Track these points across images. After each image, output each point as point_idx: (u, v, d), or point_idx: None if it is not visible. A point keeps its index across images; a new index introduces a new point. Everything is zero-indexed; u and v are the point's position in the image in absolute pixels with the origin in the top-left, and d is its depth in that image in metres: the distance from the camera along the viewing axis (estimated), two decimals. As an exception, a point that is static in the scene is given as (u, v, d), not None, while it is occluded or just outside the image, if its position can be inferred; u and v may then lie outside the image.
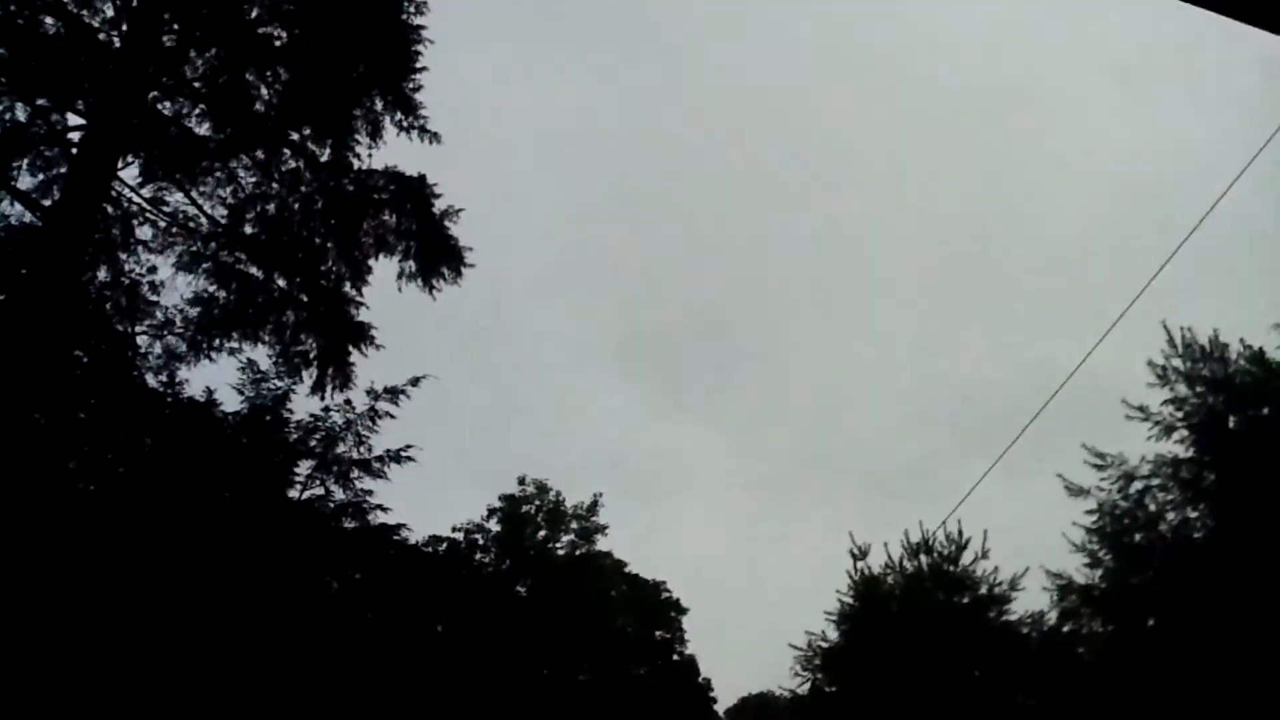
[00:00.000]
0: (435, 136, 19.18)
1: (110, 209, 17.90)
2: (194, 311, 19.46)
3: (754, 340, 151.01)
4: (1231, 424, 21.87)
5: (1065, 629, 26.22)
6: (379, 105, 19.13)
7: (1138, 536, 23.55)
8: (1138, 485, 23.29)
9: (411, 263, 19.62)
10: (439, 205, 19.42)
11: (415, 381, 21.70)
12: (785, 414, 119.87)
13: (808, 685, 31.13)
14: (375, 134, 19.23)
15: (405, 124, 19.12)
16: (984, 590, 27.91)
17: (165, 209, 18.74)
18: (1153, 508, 23.35)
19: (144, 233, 18.95)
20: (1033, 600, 30.57)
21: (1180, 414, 22.51)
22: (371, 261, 19.74)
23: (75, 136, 17.10)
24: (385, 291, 19.90)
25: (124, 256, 18.86)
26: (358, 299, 19.94)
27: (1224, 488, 21.37)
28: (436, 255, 19.56)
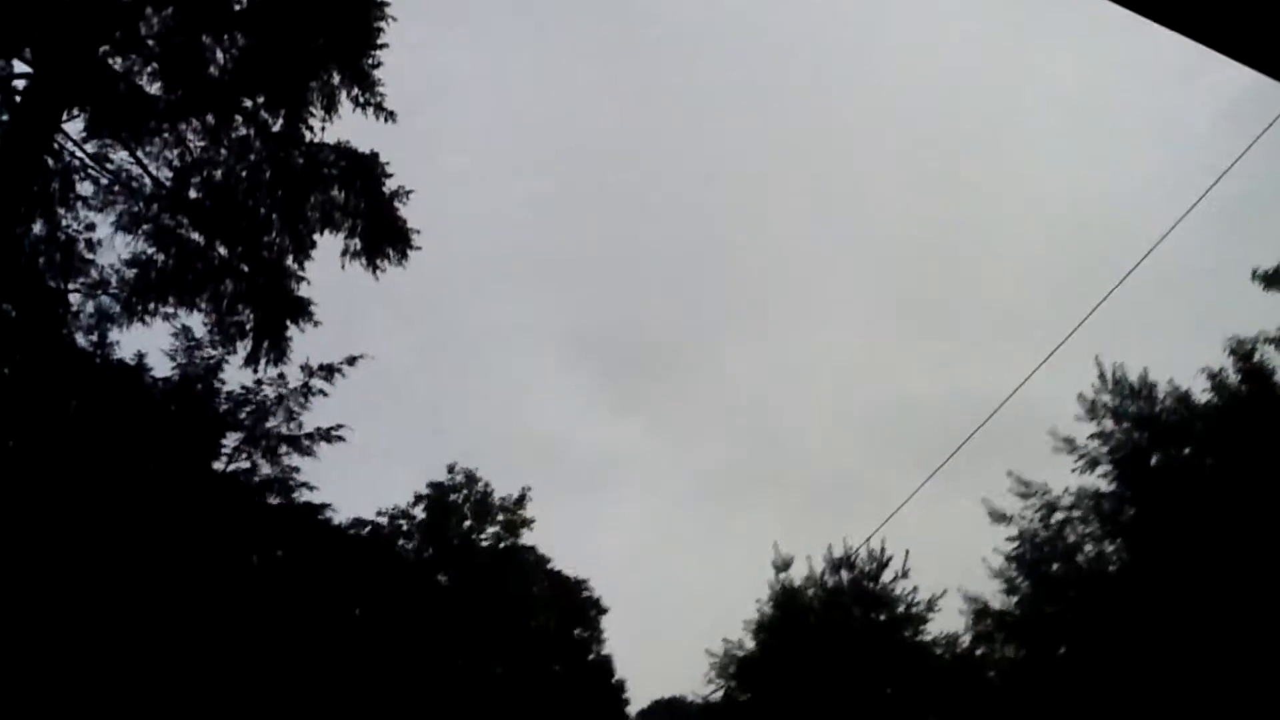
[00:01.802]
0: (391, 115, 19.01)
1: (51, 162, 17.47)
2: (130, 273, 19.05)
3: (700, 346, 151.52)
4: (1154, 462, 22.39)
5: (978, 652, 26.69)
6: (336, 79, 18.88)
7: (1055, 566, 24.03)
8: (1059, 515, 23.81)
9: (357, 240, 19.38)
10: (390, 185, 19.23)
11: (352, 361, 21.55)
12: (726, 421, 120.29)
13: (721, 692, 31.34)
14: (330, 108, 18.97)
15: (362, 100, 18.90)
16: (901, 609, 28.33)
17: (109, 166, 18.35)
18: (1072, 539, 23.87)
19: (85, 189, 18.48)
20: (949, 622, 31.11)
21: (1106, 449, 23.02)
22: (316, 236, 19.47)
23: (20, 85, 16.68)
24: (329, 268, 19.68)
25: (62, 211, 18.40)
26: (299, 273, 19.65)
27: (1142, 524, 21.87)
28: (383, 235, 19.35)
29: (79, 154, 17.93)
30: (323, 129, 19.05)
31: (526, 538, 41.28)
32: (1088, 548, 23.94)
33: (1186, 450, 22.27)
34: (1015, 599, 24.94)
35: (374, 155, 19.09)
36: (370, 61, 18.92)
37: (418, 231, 19.56)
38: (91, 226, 18.86)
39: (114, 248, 19.06)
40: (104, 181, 18.45)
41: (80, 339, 19.10)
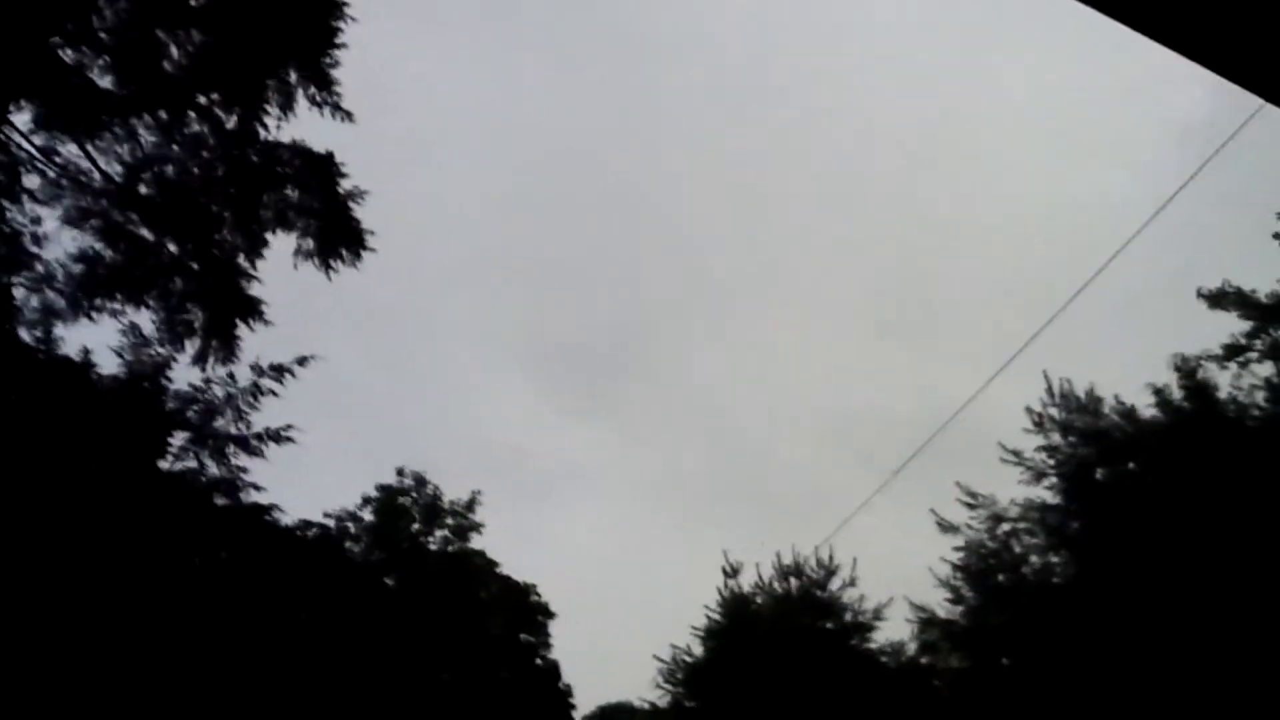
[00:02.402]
0: (349, 115, 18.88)
1: (-2, 154, 17.18)
2: (77, 268, 18.76)
3: (661, 352, 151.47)
4: (1099, 475, 22.76)
5: (923, 661, 26.94)
6: (293, 78, 18.71)
7: (1001, 577, 24.33)
8: (1005, 527, 24.11)
9: (311, 240, 19.27)
10: (345, 185, 19.12)
11: (303, 361, 21.32)
12: (685, 428, 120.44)
13: (668, 699, 31.38)
14: (287, 107, 18.81)
15: (319, 99, 18.75)
16: (849, 617, 28.52)
17: (57, 160, 18.03)
18: (1018, 550, 24.18)
19: (31, 182, 18.18)
20: (895, 630, 31.38)
21: (1052, 462, 23.37)
22: (270, 236, 19.34)
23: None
24: (281, 268, 19.51)
25: (7, 204, 18.06)
26: (251, 272, 19.50)
27: (1086, 537, 22.22)
28: (337, 235, 19.23)
29: (26, 146, 17.62)
30: (279, 128, 18.93)
31: (476, 542, 41.19)
32: (1033, 559, 24.28)
33: (1130, 465, 22.66)
34: (961, 609, 25.23)
35: (330, 155, 18.98)
36: (328, 61, 18.78)
37: (373, 233, 19.48)
38: (38, 220, 18.51)
39: (61, 242, 18.75)
40: (52, 175, 18.14)
41: (24, 334, 18.78)
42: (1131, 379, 23.77)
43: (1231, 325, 21.91)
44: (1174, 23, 2.63)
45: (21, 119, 17.24)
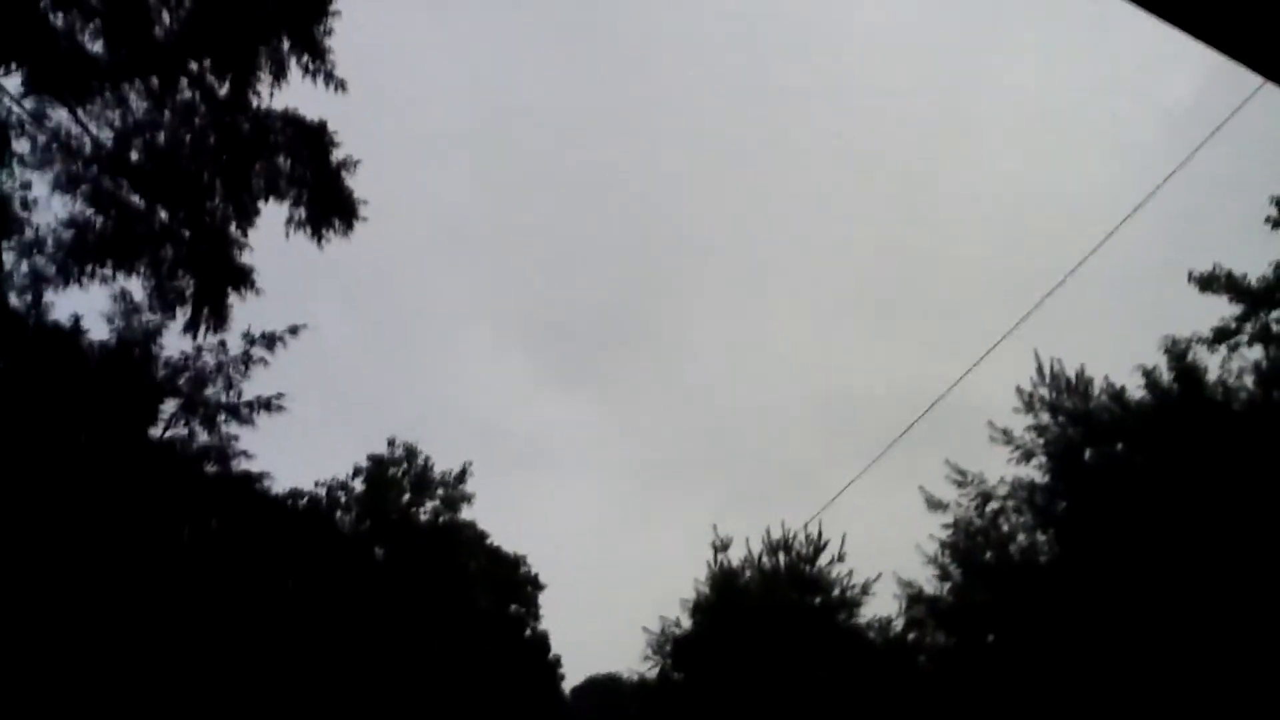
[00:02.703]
0: (342, 84, 18.72)
1: (-13, 118, 17.08)
2: (67, 234, 18.70)
3: (654, 331, 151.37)
4: (1087, 456, 22.83)
5: (910, 637, 27.11)
6: (285, 46, 18.55)
7: (988, 555, 24.45)
8: (993, 505, 24.21)
9: (302, 210, 19.17)
10: (337, 155, 19.00)
11: (294, 330, 21.36)
12: (677, 405, 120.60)
13: (656, 670, 31.56)
14: (279, 75, 18.64)
15: (311, 68, 18.57)
16: (836, 593, 28.66)
17: (47, 124, 17.95)
18: (1005, 528, 24.30)
19: (21, 146, 18.09)
20: (882, 606, 31.54)
21: (1040, 441, 23.45)
22: (261, 204, 19.23)
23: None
24: (273, 237, 19.44)
25: (-4, 169, 18.00)
26: (242, 241, 19.41)
27: (1072, 516, 22.32)
28: (328, 205, 19.14)
29: (16, 110, 17.53)
30: (270, 96, 18.78)
31: (466, 513, 41.30)
32: (1020, 538, 24.39)
33: (1118, 446, 22.73)
34: (948, 586, 25.38)
35: (322, 124, 18.86)
36: (321, 29, 18.63)
37: (365, 203, 19.41)
38: (28, 185, 18.46)
39: (51, 208, 18.67)
40: (42, 140, 18.05)
41: (13, 299, 18.73)
42: (1122, 361, 23.83)
43: (1222, 309, 21.94)
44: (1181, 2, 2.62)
45: (11, 83, 17.15)
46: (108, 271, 19.20)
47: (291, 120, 18.85)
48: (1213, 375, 21.71)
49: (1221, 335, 21.75)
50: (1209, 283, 21.80)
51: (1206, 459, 19.29)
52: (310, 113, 19.00)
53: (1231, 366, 21.62)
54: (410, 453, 39.90)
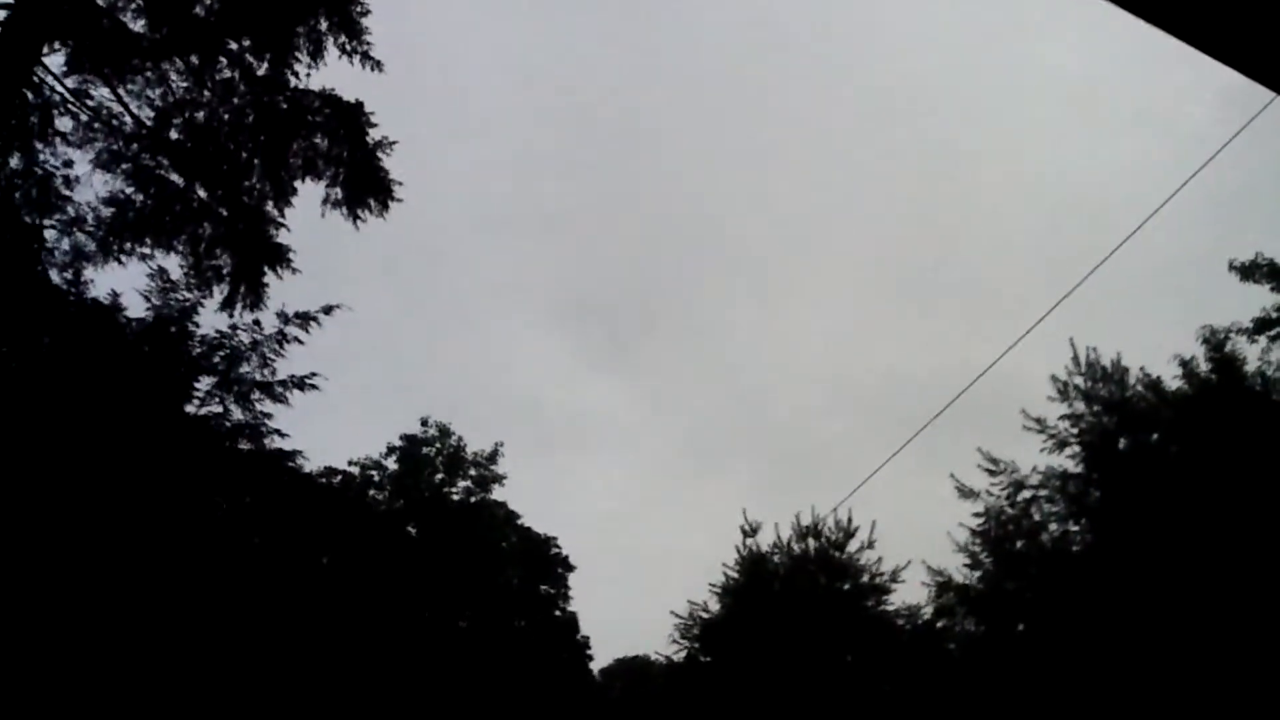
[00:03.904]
0: (378, 64, 18.84)
1: (30, 95, 17.23)
2: (108, 212, 18.85)
3: (689, 312, 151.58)
4: (1121, 445, 22.63)
5: (939, 625, 27.02)
6: (323, 25, 18.67)
7: (1019, 544, 24.30)
8: (1026, 494, 24.05)
9: (338, 189, 19.30)
10: (374, 135, 19.09)
11: (329, 310, 21.41)
12: (711, 386, 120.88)
13: (684, 653, 31.63)
14: (316, 54, 18.78)
15: (349, 47, 18.71)
16: (865, 579, 28.60)
17: (89, 103, 18.10)
18: (1037, 517, 24.13)
19: (64, 124, 18.20)
20: (911, 593, 31.47)
21: (1075, 430, 23.25)
22: (298, 184, 19.37)
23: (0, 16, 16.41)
24: (310, 216, 19.59)
25: (40, 146, 18.15)
26: (279, 219, 19.56)
27: (1105, 506, 22.14)
28: (365, 185, 19.26)
29: (59, 89, 17.66)
30: (308, 75, 18.91)
31: (497, 493, 41.55)
32: (1052, 527, 24.22)
33: (1154, 436, 22.52)
34: (978, 574, 25.26)
35: (359, 104, 18.94)
36: (358, 9, 18.74)
37: (400, 183, 19.50)
38: (70, 163, 18.61)
39: (92, 185, 18.88)
40: (84, 118, 18.20)
41: (55, 275, 18.96)
42: (1162, 349, 23.64)
43: (1264, 298, 21.67)
44: (1181, 15, 2.60)
45: (54, 61, 17.32)
46: (146, 249, 19.41)
47: (329, 100, 18.96)
48: (1251, 366, 21.47)
49: (1262, 325, 21.48)
50: (1250, 271, 21.52)
51: (1243, 449, 19.09)
52: (347, 93, 19.13)
53: (1271, 357, 21.37)
54: (443, 432, 40.20)
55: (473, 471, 40.19)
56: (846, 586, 28.74)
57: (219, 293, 19.77)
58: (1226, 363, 21.40)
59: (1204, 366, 21.73)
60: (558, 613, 50.84)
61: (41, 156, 18.22)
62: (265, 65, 18.63)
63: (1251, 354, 21.51)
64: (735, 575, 30.10)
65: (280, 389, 21.54)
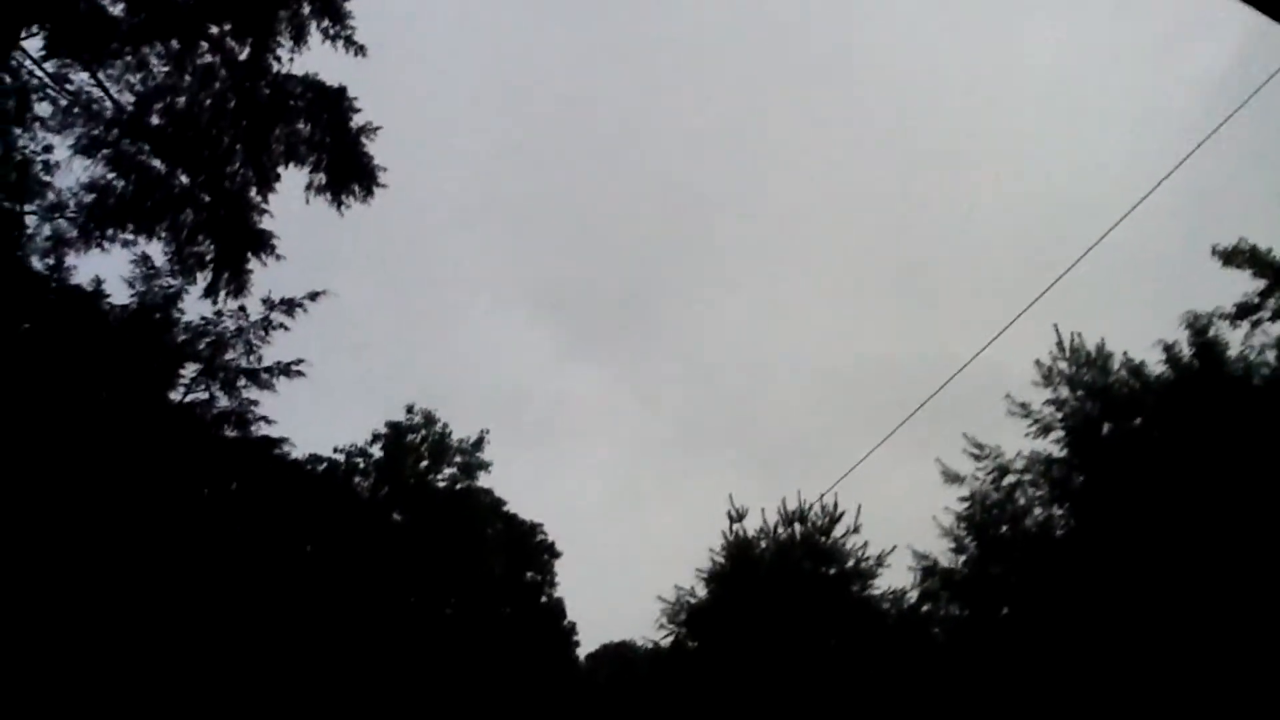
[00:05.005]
0: (361, 49, 18.70)
1: (8, 79, 17.07)
2: (89, 198, 18.72)
3: (677, 302, 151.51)
4: (1105, 431, 22.69)
5: (924, 609, 27.07)
6: (305, 9, 18.52)
7: (1004, 528, 24.36)
8: (1010, 479, 24.10)
9: (321, 175, 19.18)
10: (357, 120, 19.00)
11: (314, 296, 21.39)
12: (696, 376, 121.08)
13: (670, 638, 31.62)
14: (299, 39, 18.63)
15: (331, 32, 18.56)
16: (851, 564, 28.58)
17: (68, 87, 17.94)
18: (1021, 502, 24.18)
19: (43, 109, 18.10)
20: (897, 578, 31.52)
21: (1059, 415, 23.30)
22: (280, 169, 19.24)
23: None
24: (294, 203, 19.45)
25: (19, 131, 18.02)
26: (262, 206, 19.45)
27: (1088, 490, 22.21)
28: (348, 171, 19.13)
29: (38, 73, 17.53)
30: (290, 60, 18.77)
31: (483, 480, 41.46)
32: (1036, 511, 24.26)
33: (1136, 421, 22.57)
34: (963, 558, 25.30)
35: (342, 89, 18.84)
36: (341, -7, 18.60)
37: (384, 170, 19.40)
38: (49, 148, 18.50)
39: (72, 171, 18.69)
40: (63, 103, 18.06)
41: (35, 262, 18.83)
42: (1145, 335, 23.69)
43: (1245, 284, 21.71)
44: None
45: (33, 45, 17.14)
46: (128, 235, 19.26)
47: (311, 85, 18.84)
48: (1234, 351, 21.53)
49: (1244, 310, 21.55)
50: (1232, 257, 21.58)
51: (1225, 434, 19.16)
52: (330, 78, 18.99)
53: (1254, 342, 21.44)
54: (428, 419, 40.07)
55: (458, 459, 40.10)
56: (832, 571, 28.74)
57: (202, 279, 19.68)
58: (1208, 348, 21.46)
59: (1187, 352, 21.79)
60: (544, 599, 50.83)
61: (20, 141, 18.07)
62: (247, 50, 18.48)
63: (1234, 339, 21.58)
64: (721, 560, 30.08)
65: (265, 375, 21.53)
